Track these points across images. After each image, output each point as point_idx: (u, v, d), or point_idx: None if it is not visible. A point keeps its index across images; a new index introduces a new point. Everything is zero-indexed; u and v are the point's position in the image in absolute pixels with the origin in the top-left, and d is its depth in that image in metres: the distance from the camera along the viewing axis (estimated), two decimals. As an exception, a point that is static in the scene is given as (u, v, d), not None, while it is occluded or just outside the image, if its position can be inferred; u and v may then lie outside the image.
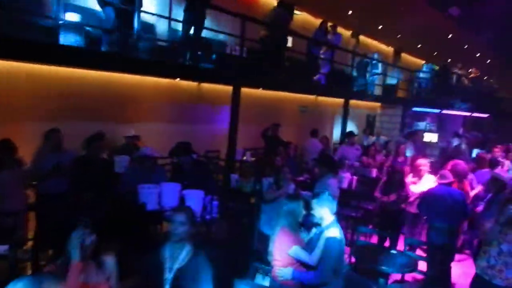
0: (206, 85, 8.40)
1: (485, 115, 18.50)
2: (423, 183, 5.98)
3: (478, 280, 3.89)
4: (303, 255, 3.58)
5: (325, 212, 3.73)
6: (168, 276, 2.87)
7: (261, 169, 5.85)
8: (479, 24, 13.01)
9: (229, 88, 7.41)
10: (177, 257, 2.91)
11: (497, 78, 19.63)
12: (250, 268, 4.02)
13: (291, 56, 9.66)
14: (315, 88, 10.06)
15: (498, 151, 8.59)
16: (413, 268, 4.36)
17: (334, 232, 3.62)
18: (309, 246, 3.68)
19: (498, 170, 6.84)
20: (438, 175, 5.39)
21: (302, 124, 10.79)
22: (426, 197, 5.33)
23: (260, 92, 9.55)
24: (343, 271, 3.63)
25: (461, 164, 5.98)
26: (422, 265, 4.84)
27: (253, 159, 8.12)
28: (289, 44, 9.76)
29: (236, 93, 7.44)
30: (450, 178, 5.25)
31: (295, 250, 3.57)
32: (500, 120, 19.83)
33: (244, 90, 7.60)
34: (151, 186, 4.44)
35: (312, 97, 11.16)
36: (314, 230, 3.88)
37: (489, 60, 17.10)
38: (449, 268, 5.10)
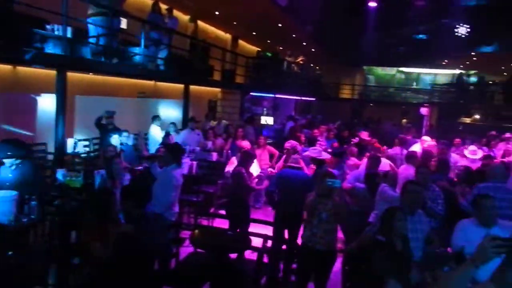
0: (24, 70, 7.34)
1: (313, 99, 20.78)
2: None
3: (304, 247, 4.29)
4: None
5: None
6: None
7: (93, 161, 5.38)
8: (302, 15, 14.33)
9: (53, 73, 6.59)
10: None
11: (320, 66, 22.21)
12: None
13: (126, 39, 9.10)
14: (153, 74, 9.72)
15: (317, 132, 9.62)
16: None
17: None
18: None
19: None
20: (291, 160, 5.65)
21: (141, 111, 10.37)
22: (278, 179, 5.53)
23: (92, 77, 8.80)
24: None
25: (295, 143, 6.56)
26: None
27: (86, 150, 7.47)
28: (123, 26, 9.19)
29: (61, 78, 6.67)
30: (301, 164, 5.58)
31: None
32: (325, 103, 22.58)
33: (73, 75, 6.87)
34: None
35: (151, 82, 10.80)
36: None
37: (313, 49, 19.08)
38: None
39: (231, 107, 13.90)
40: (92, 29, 7.51)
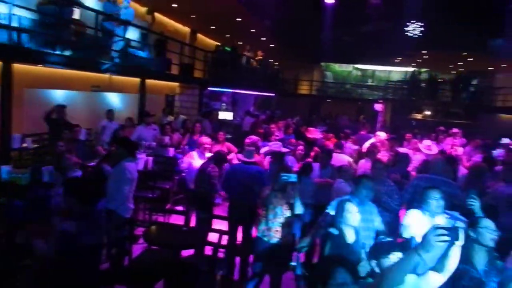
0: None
1: (272, 94, 20.90)
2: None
3: (259, 241, 4.32)
4: None
5: None
6: None
7: (41, 157, 5.14)
8: (261, 10, 14.35)
9: (-3, 64, 6.24)
10: None
11: (279, 61, 22.37)
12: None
13: (80, 30, 8.72)
14: (109, 67, 9.39)
15: (274, 127, 9.69)
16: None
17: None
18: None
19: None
20: (243, 154, 5.65)
21: (95, 105, 10.02)
22: (228, 175, 5.52)
23: (43, 69, 8.38)
24: None
25: (256, 138, 6.57)
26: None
27: (35, 146, 7.13)
28: (76, 16, 8.83)
29: (7, 70, 6.32)
30: (256, 157, 5.58)
31: None
32: (284, 98, 22.79)
33: (22, 67, 6.51)
34: None
35: (105, 76, 10.44)
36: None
37: (272, 45, 19.17)
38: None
39: (189, 102, 13.71)
40: (42, 19, 7.16)
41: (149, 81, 11.02)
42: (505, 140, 12.45)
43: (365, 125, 11.86)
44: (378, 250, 2.33)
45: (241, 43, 16.95)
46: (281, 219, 4.30)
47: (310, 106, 23.76)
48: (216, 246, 4.10)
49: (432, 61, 21.35)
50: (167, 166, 7.44)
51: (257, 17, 14.71)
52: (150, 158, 7.23)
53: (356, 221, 3.60)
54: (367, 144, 8.30)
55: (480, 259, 2.77)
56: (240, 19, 14.55)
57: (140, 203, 6.48)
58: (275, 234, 4.29)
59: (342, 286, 1.86)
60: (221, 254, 4.49)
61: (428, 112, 19.67)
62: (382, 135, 9.09)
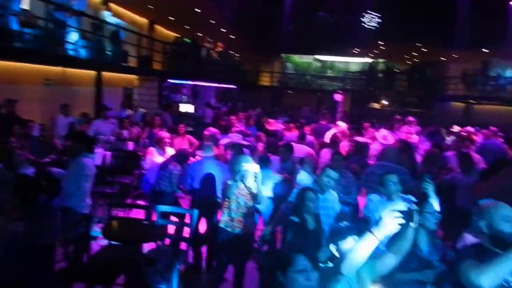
0: None
1: (233, 86, 20.83)
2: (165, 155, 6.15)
3: (222, 232, 4.31)
4: None
5: None
6: None
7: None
8: (220, 0, 14.23)
9: None
10: None
11: (240, 53, 22.27)
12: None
13: (29, 21, 8.29)
14: (61, 59, 9.01)
15: (235, 119, 9.69)
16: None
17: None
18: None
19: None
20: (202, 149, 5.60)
21: (48, 99, 9.59)
22: (188, 171, 5.44)
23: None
24: None
25: (215, 131, 6.53)
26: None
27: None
28: (25, 6, 8.42)
29: None
30: (215, 150, 5.56)
31: None
32: (245, 90, 22.79)
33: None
34: None
35: (58, 69, 10.01)
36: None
37: (232, 36, 19.04)
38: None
39: (148, 95, 13.41)
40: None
41: (106, 74, 10.67)
42: (456, 128, 13.08)
43: (325, 115, 12.05)
44: (336, 234, 2.38)
45: (201, 34, 16.73)
46: (243, 210, 4.32)
47: (271, 98, 23.89)
48: (177, 238, 4.06)
49: (389, 52, 21.96)
50: (126, 161, 7.27)
51: (216, 8, 14.56)
52: (108, 153, 7.03)
53: (317, 209, 3.67)
54: (328, 135, 8.45)
55: (424, 241, 2.91)
56: (199, 10, 14.36)
57: (99, 198, 6.31)
58: (238, 225, 4.30)
59: (302, 273, 1.88)
60: (183, 247, 4.44)
61: (385, 102, 20.28)
62: (342, 125, 9.27)
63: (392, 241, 2.41)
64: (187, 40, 15.34)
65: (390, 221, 2.07)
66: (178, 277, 3.94)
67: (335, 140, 7.20)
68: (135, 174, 7.11)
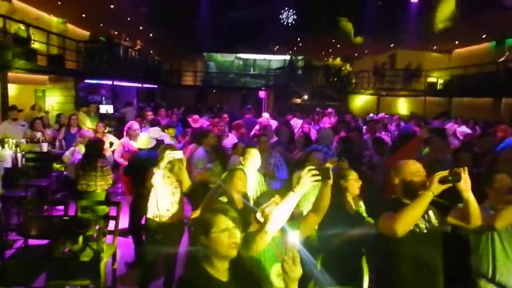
0: None
1: (155, 86, 20.34)
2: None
3: (151, 222, 4.21)
4: None
5: None
6: None
7: None
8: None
9: None
10: None
11: (162, 52, 21.78)
12: None
13: None
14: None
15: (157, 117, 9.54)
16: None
17: None
18: None
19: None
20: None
21: None
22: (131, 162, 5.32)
23: None
24: None
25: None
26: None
27: None
28: None
29: None
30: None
31: None
32: (168, 90, 22.39)
33: None
34: None
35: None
36: None
37: (151, 34, 18.56)
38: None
39: (63, 96, 12.59)
40: None
41: (12, 74, 9.84)
42: (371, 115, 14.06)
43: (250, 111, 12.27)
44: (260, 198, 2.47)
45: (117, 32, 16.06)
46: (171, 198, 4.24)
47: (196, 97, 23.71)
48: (101, 232, 3.88)
49: (307, 49, 22.85)
50: (42, 163, 6.78)
51: (132, 4, 14.10)
52: (20, 154, 6.50)
53: (244, 188, 3.72)
54: (257, 127, 8.78)
55: (351, 204, 3.25)
56: (113, 6, 13.79)
57: (13, 204, 5.81)
58: (166, 213, 4.22)
59: (224, 231, 1.91)
60: (109, 240, 4.25)
61: (306, 96, 21.06)
62: (266, 115, 9.55)
63: (314, 201, 2.55)
64: (102, 39, 14.63)
65: (307, 178, 2.18)
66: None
67: (265, 127, 7.51)
68: (52, 176, 6.67)
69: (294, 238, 1.83)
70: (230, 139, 7.14)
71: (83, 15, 15.01)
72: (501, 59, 14.10)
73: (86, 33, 16.49)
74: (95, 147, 5.10)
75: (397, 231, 2.39)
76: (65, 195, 6.85)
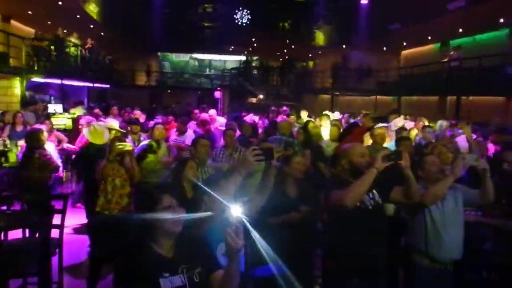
0: None
1: (107, 86, 19.82)
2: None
3: (98, 217, 4.14)
4: None
5: None
6: None
7: None
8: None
9: None
10: None
11: (114, 51, 21.26)
12: None
13: None
14: None
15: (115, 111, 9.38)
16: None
17: None
18: None
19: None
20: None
21: None
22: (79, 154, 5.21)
23: None
24: None
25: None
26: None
27: None
28: None
29: None
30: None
31: None
32: (121, 90, 21.87)
33: None
34: None
35: None
36: None
37: (102, 33, 18.07)
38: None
39: (7, 95, 12.01)
40: None
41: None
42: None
43: (205, 110, 12.29)
44: (208, 182, 2.52)
45: (66, 31, 15.51)
46: (120, 191, 4.20)
47: (150, 97, 23.32)
48: (48, 227, 3.77)
49: (262, 49, 23.09)
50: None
51: (81, 2, 13.68)
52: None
53: (195, 176, 3.75)
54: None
55: (293, 189, 3.35)
56: (61, 3, 13.32)
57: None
58: (116, 207, 4.17)
59: (169, 209, 1.95)
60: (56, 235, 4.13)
61: (261, 96, 21.28)
62: (212, 112, 9.83)
63: (259, 184, 2.63)
64: (49, 36, 14.08)
65: (251, 157, 2.26)
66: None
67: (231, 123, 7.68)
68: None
69: (238, 212, 1.88)
70: (189, 135, 7.15)
71: (29, 12, 14.36)
72: (445, 59, 14.87)
73: (32, 31, 15.81)
74: (32, 137, 4.94)
75: (347, 203, 2.59)
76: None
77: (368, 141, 5.07)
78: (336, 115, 12.13)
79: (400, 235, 3.60)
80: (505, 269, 3.12)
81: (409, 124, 9.36)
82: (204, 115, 10.62)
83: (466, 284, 3.18)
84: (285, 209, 3.15)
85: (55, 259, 3.89)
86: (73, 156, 6.35)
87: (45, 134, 5.30)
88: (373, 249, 2.77)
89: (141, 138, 6.75)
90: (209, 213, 2.27)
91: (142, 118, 9.86)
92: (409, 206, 3.09)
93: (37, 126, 6.29)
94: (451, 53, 14.66)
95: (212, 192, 2.30)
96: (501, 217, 3.60)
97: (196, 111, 11.73)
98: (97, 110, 8.81)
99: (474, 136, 6.31)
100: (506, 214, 3.50)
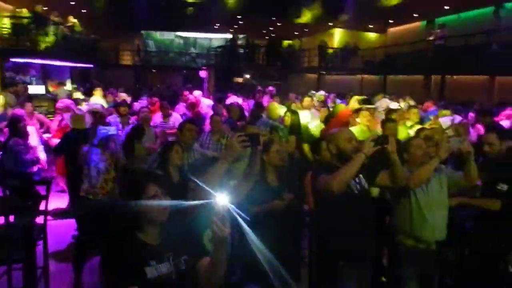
0: None
1: (90, 66, 19.38)
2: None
3: (83, 201, 4.10)
4: None
5: None
6: None
7: None
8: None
9: None
10: None
11: (97, 30, 20.71)
12: None
13: None
14: None
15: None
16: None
17: None
18: None
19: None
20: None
21: None
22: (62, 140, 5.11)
23: None
24: None
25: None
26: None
27: None
28: None
29: None
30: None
31: None
32: (105, 70, 21.42)
33: None
34: None
35: None
36: None
37: (84, 10, 17.53)
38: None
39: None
40: None
41: None
42: (312, 92, 14.39)
43: (191, 90, 12.16)
44: (193, 167, 2.49)
45: (46, 8, 14.98)
46: (104, 175, 4.15)
47: (135, 77, 22.93)
48: (35, 212, 3.73)
49: (248, 27, 22.73)
50: None
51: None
52: None
53: (180, 160, 3.72)
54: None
55: (274, 177, 3.37)
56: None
57: None
58: (100, 191, 4.13)
59: (155, 198, 1.92)
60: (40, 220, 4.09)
61: (247, 75, 21.05)
62: (197, 92, 9.75)
63: (245, 169, 2.62)
64: (28, 14, 13.60)
65: (236, 144, 2.24)
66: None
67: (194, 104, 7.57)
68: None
69: (224, 200, 1.86)
70: (174, 118, 7.14)
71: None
72: (430, 37, 14.85)
73: (10, 7, 15.25)
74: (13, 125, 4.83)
75: (334, 188, 2.58)
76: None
77: (354, 123, 5.07)
78: (321, 93, 12.12)
79: (385, 216, 3.65)
80: (485, 249, 3.22)
81: (394, 105, 9.43)
82: (192, 97, 10.59)
83: (449, 263, 3.27)
84: (267, 197, 3.15)
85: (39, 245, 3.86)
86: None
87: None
88: (359, 233, 2.81)
89: (130, 121, 6.66)
90: (195, 201, 2.24)
91: (127, 100, 9.73)
92: (395, 189, 3.13)
93: (18, 110, 6.14)
94: (437, 30, 14.66)
95: (197, 181, 2.28)
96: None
97: (186, 92, 11.61)
98: (77, 95, 8.62)
99: (458, 118, 6.37)
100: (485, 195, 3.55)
